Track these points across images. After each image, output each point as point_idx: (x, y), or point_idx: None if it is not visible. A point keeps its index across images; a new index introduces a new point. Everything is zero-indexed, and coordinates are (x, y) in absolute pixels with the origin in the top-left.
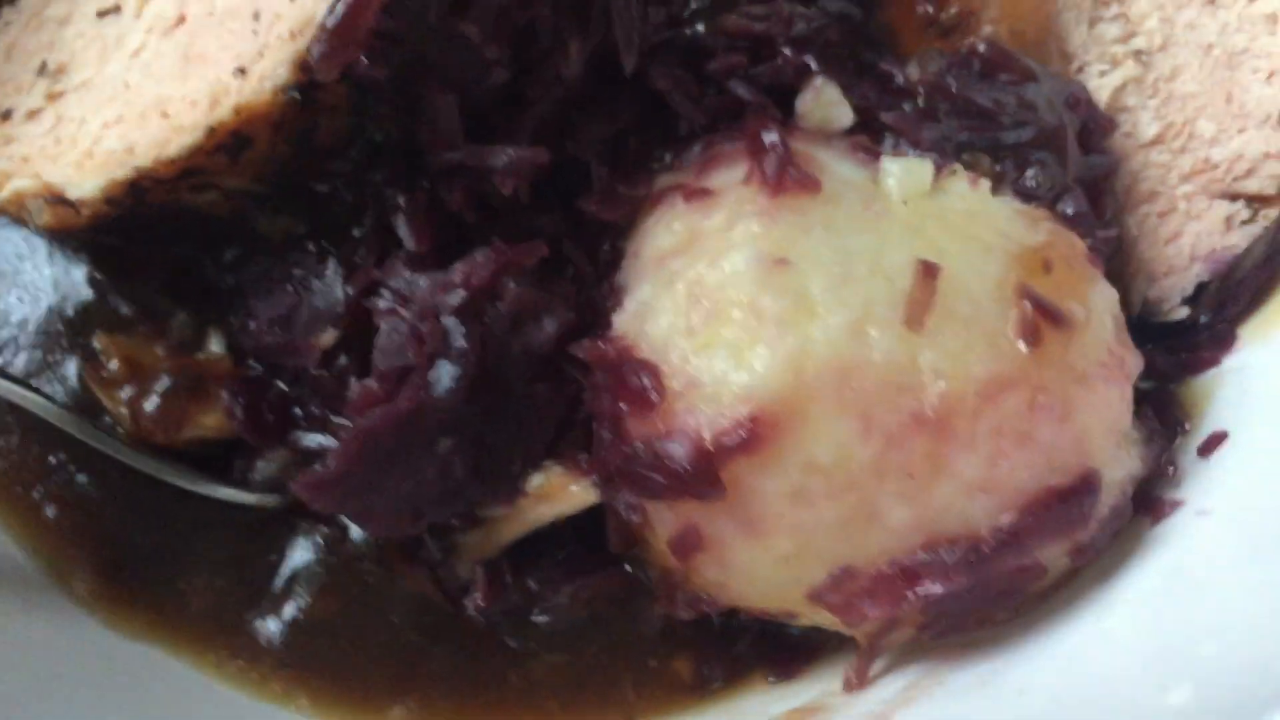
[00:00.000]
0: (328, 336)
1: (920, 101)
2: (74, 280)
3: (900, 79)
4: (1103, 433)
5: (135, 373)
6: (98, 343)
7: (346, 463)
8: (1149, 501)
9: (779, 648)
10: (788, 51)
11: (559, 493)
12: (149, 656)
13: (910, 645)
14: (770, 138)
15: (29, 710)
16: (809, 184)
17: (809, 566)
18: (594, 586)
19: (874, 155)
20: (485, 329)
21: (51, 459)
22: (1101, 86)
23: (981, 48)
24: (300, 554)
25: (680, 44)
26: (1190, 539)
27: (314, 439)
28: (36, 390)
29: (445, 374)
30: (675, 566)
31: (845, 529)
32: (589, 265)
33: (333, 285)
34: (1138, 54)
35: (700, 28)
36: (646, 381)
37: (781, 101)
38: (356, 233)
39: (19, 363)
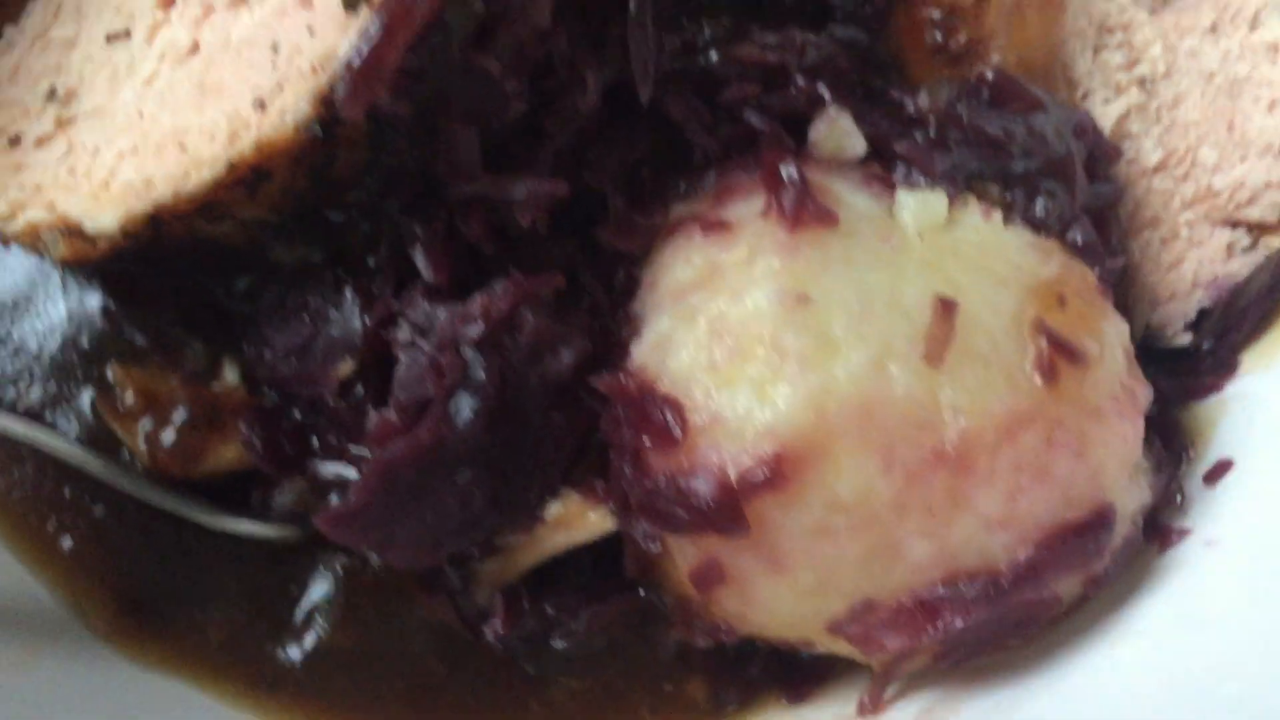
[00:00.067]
0: (345, 367)
1: (931, 131)
2: (88, 310)
3: (911, 107)
4: (1116, 466)
5: (151, 405)
6: (112, 374)
7: (367, 495)
8: (1156, 529)
9: (792, 671)
10: (800, 80)
11: (576, 520)
12: (169, 688)
13: (924, 670)
14: (788, 171)
15: None
16: (827, 218)
17: (830, 600)
18: (610, 611)
19: (887, 185)
20: (504, 360)
21: (66, 491)
22: (1106, 114)
23: (990, 76)
24: (320, 585)
25: (694, 73)
26: (1199, 571)
27: (331, 468)
28: (54, 430)
29: (465, 405)
30: (693, 595)
31: (867, 564)
32: (604, 294)
33: (350, 316)
34: (1141, 81)
35: (713, 56)
36: (669, 416)
37: (793, 129)
38: (371, 261)
39: (34, 395)
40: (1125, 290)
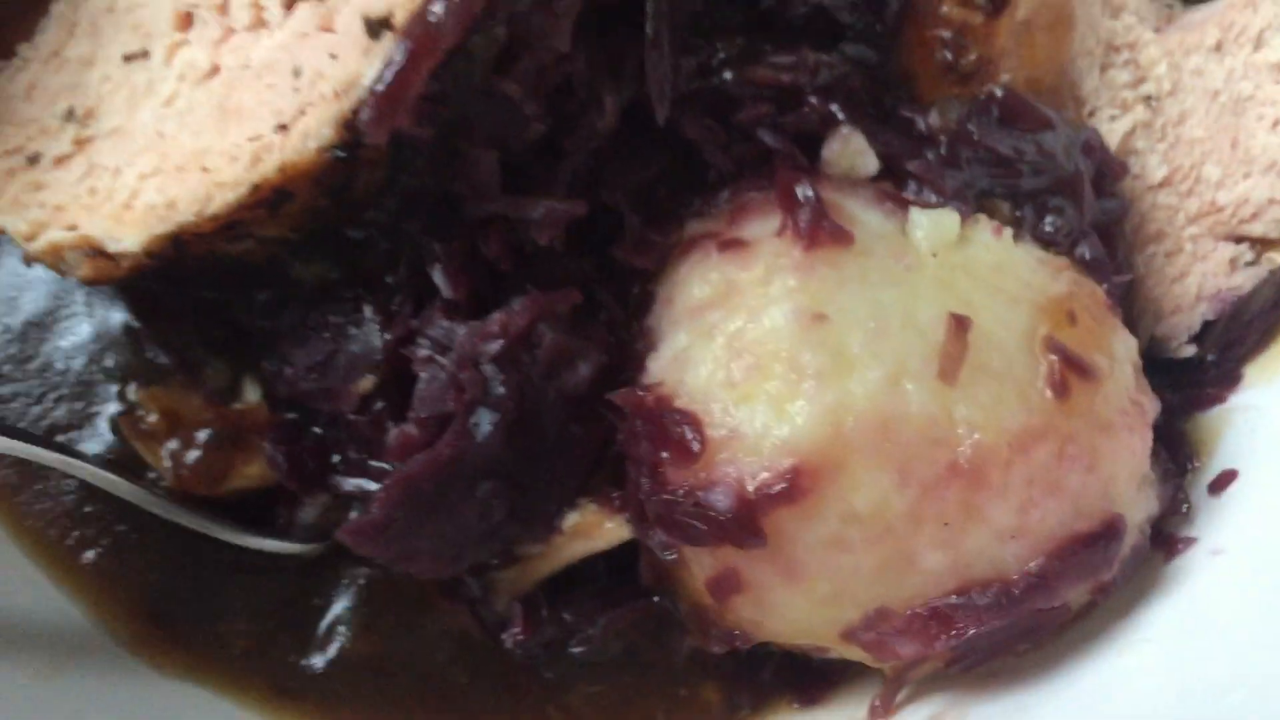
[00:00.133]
0: (366, 383)
1: (942, 149)
2: (110, 329)
3: (921, 125)
4: (1126, 478)
5: (175, 425)
6: (135, 395)
7: (390, 509)
8: (1162, 538)
9: (804, 674)
10: (814, 100)
11: (593, 530)
12: (192, 696)
13: (935, 674)
14: (804, 192)
15: None
16: (842, 237)
17: (845, 608)
18: (626, 618)
19: (900, 204)
20: (523, 376)
21: (90, 506)
22: (1112, 130)
23: (999, 94)
24: (343, 596)
25: (708, 93)
26: (1205, 580)
27: (353, 483)
28: (80, 453)
29: (485, 420)
30: (709, 603)
31: (881, 574)
32: (619, 309)
33: (370, 333)
34: (1147, 99)
35: (728, 76)
36: (687, 431)
37: (806, 147)
38: (390, 279)
39: (59, 414)
40: (1130, 303)
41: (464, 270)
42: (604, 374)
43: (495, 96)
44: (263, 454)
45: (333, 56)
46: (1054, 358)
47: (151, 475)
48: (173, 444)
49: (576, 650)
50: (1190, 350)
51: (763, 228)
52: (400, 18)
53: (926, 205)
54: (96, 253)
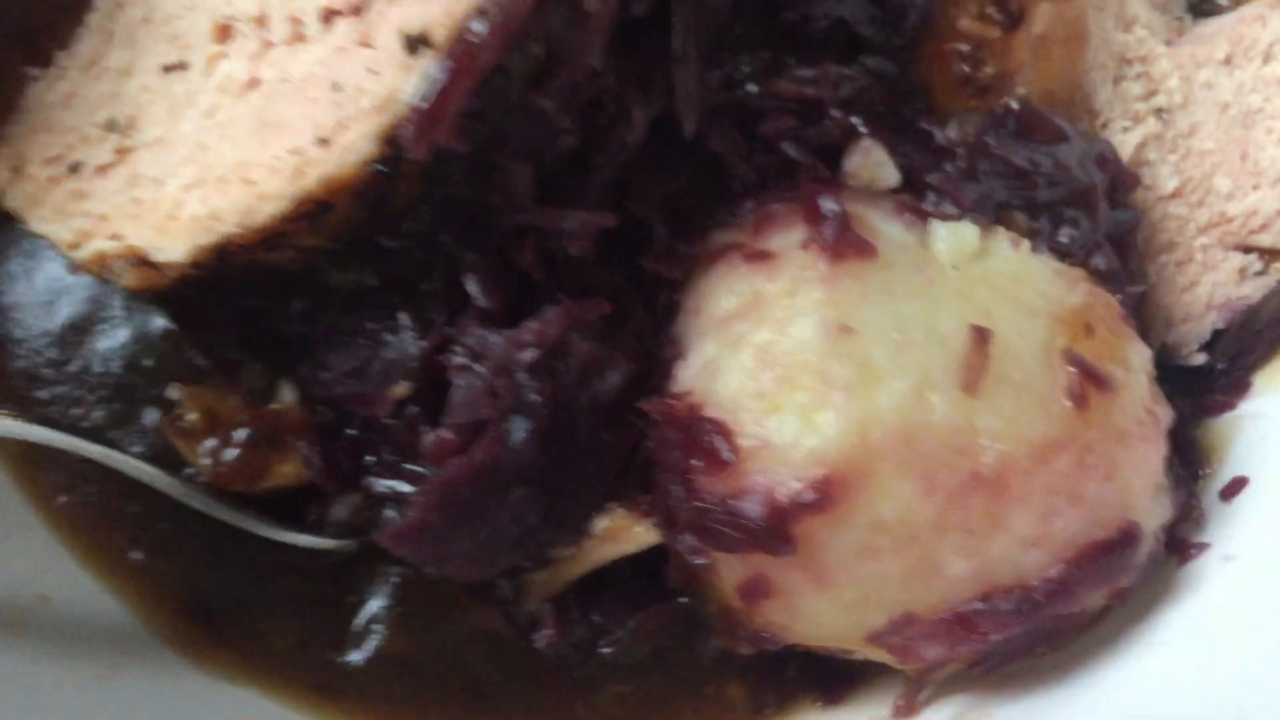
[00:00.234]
0: (401, 388)
1: (961, 161)
2: (149, 332)
3: (940, 138)
4: (1142, 486)
5: (214, 424)
6: (175, 394)
7: (426, 513)
8: (1175, 543)
9: (828, 674)
10: (835, 113)
11: (623, 534)
12: (236, 694)
13: (956, 675)
14: (828, 205)
15: None
16: (866, 250)
17: (871, 613)
18: (655, 619)
19: (920, 216)
20: (556, 384)
21: (133, 507)
22: (1125, 142)
23: (1015, 107)
24: (378, 595)
25: (733, 106)
26: (1218, 585)
27: (386, 484)
28: (120, 450)
29: (519, 427)
30: (737, 606)
31: (907, 580)
32: (647, 317)
33: (406, 340)
34: (1159, 111)
35: (752, 89)
36: (719, 440)
37: (827, 158)
38: (424, 286)
39: (98, 415)
40: (1142, 311)
41: (498, 280)
42: (633, 382)
43: (531, 112)
44: (298, 454)
45: (372, 72)
46: (1072, 369)
47: (190, 472)
48: (211, 442)
49: (605, 651)
50: (1201, 358)
51: (787, 239)
52: (439, 35)
53: (946, 217)
54: (142, 262)
